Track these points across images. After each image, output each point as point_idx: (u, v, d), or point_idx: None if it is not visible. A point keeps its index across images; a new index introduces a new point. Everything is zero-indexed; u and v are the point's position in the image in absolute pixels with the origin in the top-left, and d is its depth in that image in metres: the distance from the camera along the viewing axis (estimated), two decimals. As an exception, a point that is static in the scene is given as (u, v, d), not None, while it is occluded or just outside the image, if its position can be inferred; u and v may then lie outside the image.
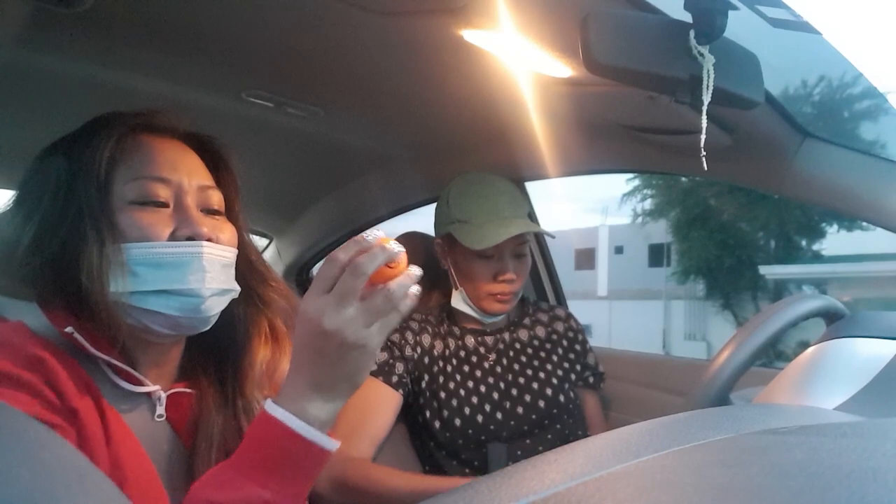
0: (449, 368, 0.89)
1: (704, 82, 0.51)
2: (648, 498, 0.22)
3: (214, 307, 0.48)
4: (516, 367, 0.91)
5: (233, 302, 0.51)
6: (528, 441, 0.87)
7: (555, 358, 0.94)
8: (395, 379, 0.85)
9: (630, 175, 10.88)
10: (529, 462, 0.26)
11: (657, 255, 13.65)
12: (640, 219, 12.41)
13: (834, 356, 0.53)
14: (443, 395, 0.86)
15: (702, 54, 0.51)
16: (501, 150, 1.09)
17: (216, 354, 0.54)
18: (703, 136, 0.54)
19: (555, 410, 0.89)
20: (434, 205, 0.97)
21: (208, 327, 0.50)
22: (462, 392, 0.87)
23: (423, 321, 0.93)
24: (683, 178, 9.66)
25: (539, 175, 1.15)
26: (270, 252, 1.85)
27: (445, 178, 0.95)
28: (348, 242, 0.43)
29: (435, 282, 1.04)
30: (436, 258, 0.96)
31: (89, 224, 0.45)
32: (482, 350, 0.92)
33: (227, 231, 0.51)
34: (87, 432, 0.42)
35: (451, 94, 0.90)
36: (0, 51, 0.70)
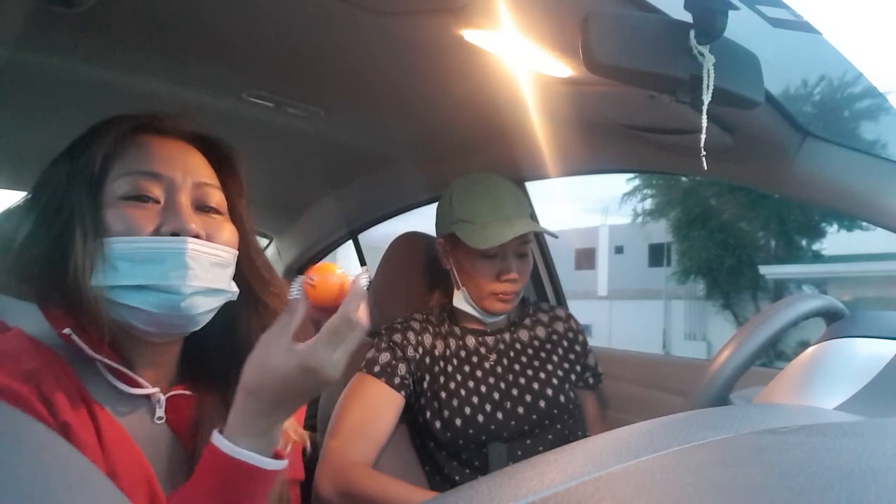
0: (450, 369, 0.89)
1: (705, 82, 0.51)
2: (648, 498, 0.22)
3: (199, 306, 0.47)
4: (517, 367, 0.91)
5: (234, 305, 0.51)
6: (528, 441, 0.87)
7: (555, 358, 0.94)
8: (397, 381, 0.85)
9: (630, 175, 10.88)
10: (529, 462, 0.26)
11: (657, 254, 13.64)
12: (640, 219, 12.41)
13: (834, 356, 0.53)
14: (444, 395, 0.86)
15: (702, 54, 0.51)
16: (502, 149, 1.09)
17: (216, 357, 0.53)
18: (703, 136, 0.54)
19: (555, 411, 0.89)
20: (434, 205, 0.97)
21: (197, 327, 0.49)
22: (463, 392, 0.87)
23: (424, 321, 0.93)
24: (684, 178, 9.66)
25: (539, 175, 1.15)
26: (270, 252, 1.86)
27: (446, 178, 0.95)
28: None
29: (435, 282, 1.04)
30: (436, 258, 0.96)
31: (77, 219, 0.45)
32: (483, 350, 0.92)
33: (226, 231, 0.50)
34: (79, 442, 0.42)
35: (451, 94, 0.90)
36: (1, 51, 0.70)
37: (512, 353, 0.93)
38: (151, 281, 0.45)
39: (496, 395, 0.88)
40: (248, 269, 0.53)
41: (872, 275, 9.55)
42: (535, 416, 0.87)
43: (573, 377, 0.95)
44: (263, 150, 1.17)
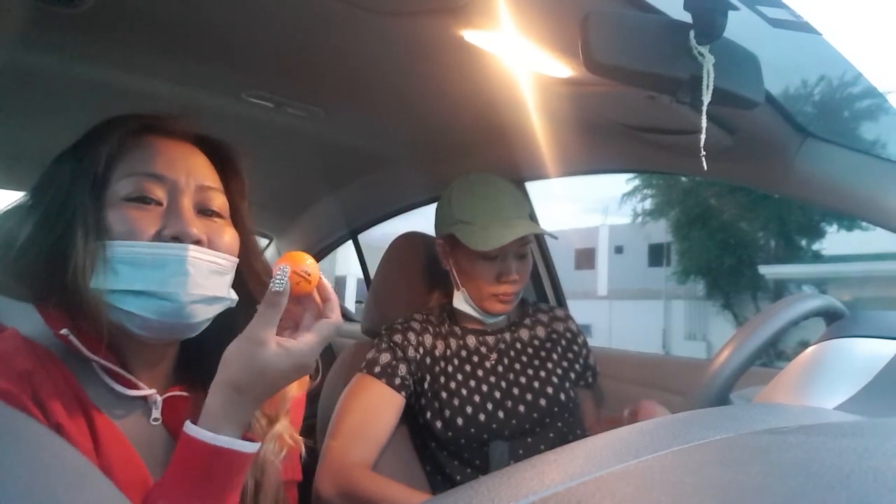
0: (450, 368, 0.89)
1: (704, 82, 0.51)
2: (648, 498, 0.22)
3: (198, 314, 0.47)
4: (517, 366, 0.92)
5: (232, 309, 0.51)
6: (529, 440, 0.87)
7: (555, 357, 0.94)
8: (397, 381, 0.85)
9: (630, 175, 10.88)
10: (529, 462, 0.26)
11: (657, 254, 13.64)
12: (640, 219, 12.41)
13: (834, 356, 0.53)
14: (444, 395, 0.86)
15: (702, 54, 0.51)
16: (502, 150, 1.09)
17: (212, 359, 0.53)
18: (703, 136, 0.54)
19: (556, 409, 0.89)
20: (434, 205, 0.97)
21: (194, 333, 0.49)
22: (464, 392, 0.87)
23: (424, 321, 0.93)
24: (683, 178, 9.65)
25: (539, 175, 1.15)
26: (270, 252, 1.86)
27: (446, 179, 0.95)
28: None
29: (435, 282, 1.04)
30: (436, 258, 0.96)
31: (80, 219, 0.45)
32: (483, 350, 0.92)
33: (227, 235, 0.50)
34: (73, 443, 0.42)
35: (451, 94, 0.90)
36: (1, 51, 0.70)
37: (512, 353, 0.93)
38: (150, 287, 0.44)
39: (497, 395, 0.88)
40: (247, 272, 0.53)
41: (872, 275, 9.55)
42: (536, 415, 0.87)
43: (573, 376, 0.95)
44: (263, 151, 1.17)
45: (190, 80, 0.88)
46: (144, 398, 0.49)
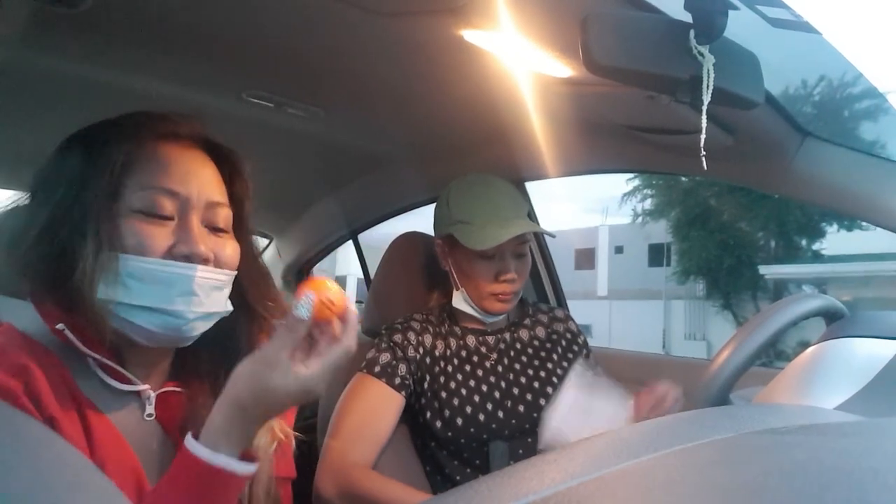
0: (450, 368, 0.89)
1: (704, 82, 0.51)
2: (648, 497, 0.22)
3: (198, 328, 0.49)
4: (517, 366, 0.92)
5: (231, 313, 0.52)
6: (529, 440, 0.87)
7: (555, 357, 0.94)
8: (397, 381, 0.85)
9: (630, 175, 10.88)
10: (529, 462, 0.26)
11: (657, 254, 13.64)
12: (640, 219, 12.41)
13: (834, 356, 0.53)
14: (444, 394, 0.86)
15: (702, 54, 0.51)
16: (501, 150, 1.09)
17: (207, 356, 0.54)
18: (703, 136, 0.54)
19: (555, 410, 0.89)
20: (434, 205, 0.97)
21: (190, 343, 0.50)
22: (464, 391, 0.87)
23: (424, 321, 0.93)
24: (683, 178, 9.66)
25: (539, 175, 1.15)
26: (270, 252, 1.86)
27: (445, 179, 0.95)
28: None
29: (435, 282, 1.04)
30: (436, 258, 0.96)
31: (91, 226, 0.45)
32: (483, 350, 0.92)
33: (229, 248, 0.51)
34: (66, 437, 0.42)
35: (451, 95, 0.90)
36: (1, 51, 0.70)
37: (512, 353, 0.93)
38: (158, 304, 0.46)
39: (497, 394, 0.88)
40: (247, 280, 0.54)
41: (872, 275, 9.55)
42: (535, 415, 0.87)
43: (573, 377, 0.95)
44: (263, 151, 1.17)
45: (190, 80, 0.88)
46: (138, 393, 0.49)
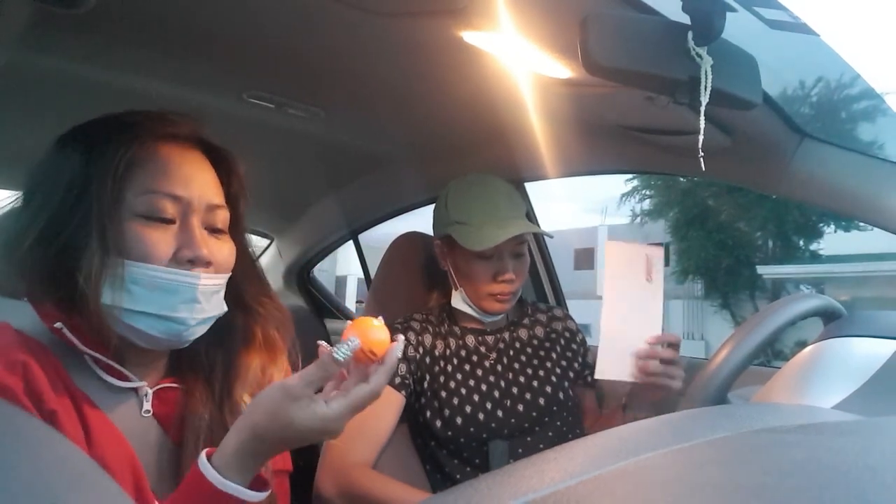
0: (450, 368, 0.89)
1: (703, 83, 0.51)
2: (647, 496, 0.22)
3: (197, 333, 0.50)
4: (516, 365, 0.92)
5: (227, 311, 0.52)
6: (528, 439, 0.87)
7: (554, 356, 0.94)
8: (397, 380, 0.85)
9: (629, 175, 10.88)
10: (529, 460, 0.26)
11: (656, 255, 13.62)
12: (638, 219, 12.41)
13: (831, 355, 0.53)
14: (444, 394, 0.87)
15: (700, 55, 0.51)
16: (501, 150, 1.09)
17: (202, 351, 0.54)
18: (701, 137, 0.54)
19: (555, 408, 0.89)
20: (434, 205, 0.97)
21: (187, 345, 0.51)
22: (463, 391, 0.87)
23: (424, 321, 0.93)
24: (682, 179, 9.66)
25: (539, 176, 1.16)
26: (271, 252, 1.85)
27: (445, 179, 0.95)
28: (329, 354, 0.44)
29: (435, 282, 1.04)
30: (435, 258, 0.96)
31: (95, 229, 0.45)
32: (483, 349, 0.92)
33: (226, 250, 0.52)
34: (65, 435, 0.42)
35: (451, 95, 0.90)
36: (1, 51, 0.70)
37: (511, 352, 0.93)
38: (162, 311, 0.46)
39: (496, 394, 0.88)
40: (241, 278, 0.55)
41: (869, 275, 9.57)
42: (535, 414, 0.87)
43: (572, 375, 0.95)
44: (264, 151, 1.17)
45: (191, 80, 0.88)
46: (136, 390, 0.50)
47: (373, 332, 0.45)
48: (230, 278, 0.52)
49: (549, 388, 0.90)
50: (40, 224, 0.46)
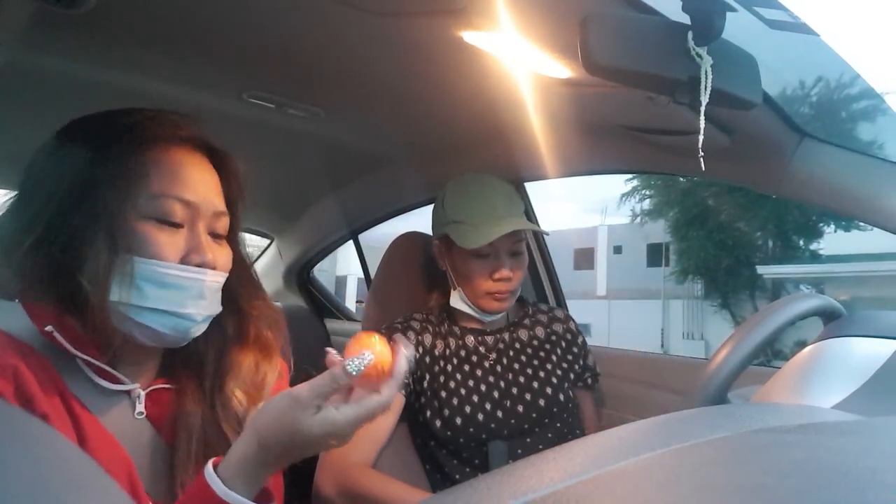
0: (450, 368, 0.89)
1: (703, 83, 0.52)
2: (647, 496, 0.22)
3: (201, 329, 0.51)
4: (516, 366, 0.92)
5: (221, 312, 0.53)
6: (528, 439, 0.87)
7: (554, 357, 0.94)
8: None
9: (629, 175, 10.88)
10: (529, 460, 0.26)
11: (656, 254, 13.65)
12: (638, 219, 12.42)
13: (831, 355, 0.53)
14: (444, 394, 0.87)
15: (700, 55, 0.51)
16: (501, 150, 1.09)
17: (193, 350, 0.54)
18: (701, 137, 0.54)
19: (555, 409, 0.89)
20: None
21: (184, 343, 0.51)
22: (463, 391, 0.87)
23: (423, 321, 0.93)
24: (682, 179, 9.67)
25: (538, 175, 1.16)
26: (271, 252, 1.86)
27: (445, 179, 0.95)
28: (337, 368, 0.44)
29: (435, 281, 1.04)
30: (435, 258, 0.96)
31: (104, 230, 0.45)
32: (482, 349, 0.92)
33: (225, 255, 0.53)
34: None
35: (451, 95, 0.90)
36: (2, 51, 0.70)
37: (511, 353, 0.93)
38: (171, 307, 0.47)
39: (496, 394, 0.88)
40: (236, 280, 0.55)
41: (869, 275, 9.57)
42: (534, 415, 0.87)
43: (572, 376, 0.95)
44: (264, 151, 1.17)
45: (191, 80, 0.88)
46: (128, 392, 0.50)
47: (380, 348, 0.46)
48: (225, 281, 0.53)
49: (549, 390, 0.90)
50: (41, 224, 0.46)
